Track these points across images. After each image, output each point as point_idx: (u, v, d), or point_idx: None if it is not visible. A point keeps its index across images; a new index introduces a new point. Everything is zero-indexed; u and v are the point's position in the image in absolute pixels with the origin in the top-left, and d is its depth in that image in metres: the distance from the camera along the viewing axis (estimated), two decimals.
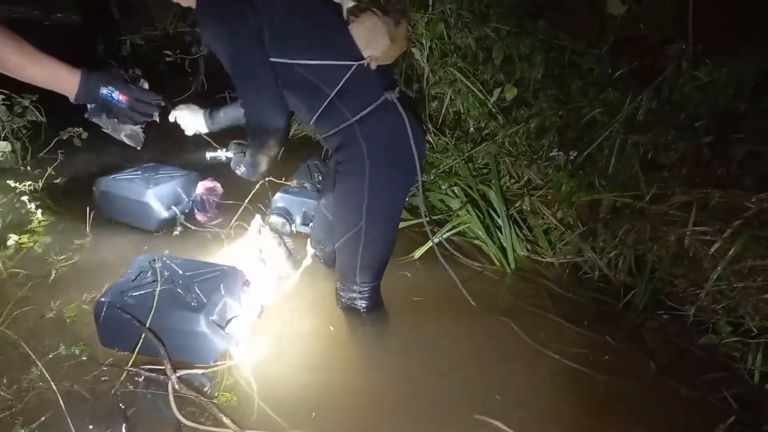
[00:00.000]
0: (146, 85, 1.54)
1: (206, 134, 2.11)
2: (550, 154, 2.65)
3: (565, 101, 2.64)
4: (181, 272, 2.12)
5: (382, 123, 1.89)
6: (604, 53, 2.63)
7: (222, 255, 2.62)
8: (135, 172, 2.97)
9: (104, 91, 1.45)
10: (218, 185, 2.88)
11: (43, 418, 1.70)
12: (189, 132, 2.05)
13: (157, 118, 1.56)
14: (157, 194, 2.83)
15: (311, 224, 2.65)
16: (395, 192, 2.04)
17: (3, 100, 3.51)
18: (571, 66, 2.69)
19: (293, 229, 2.75)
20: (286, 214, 2.73)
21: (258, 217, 2.50)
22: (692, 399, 1.96)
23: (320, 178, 2.82)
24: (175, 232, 2.85)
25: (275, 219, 2.69)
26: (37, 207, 2.73)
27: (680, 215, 2.26)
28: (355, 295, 2.22)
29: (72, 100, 1.44)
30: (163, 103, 1.57)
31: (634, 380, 2.04)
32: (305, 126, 2.13)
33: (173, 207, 2.85)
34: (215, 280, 2.09)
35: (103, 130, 1.54)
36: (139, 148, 1.60)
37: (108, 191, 2.92)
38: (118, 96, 1.47)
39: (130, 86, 1.49)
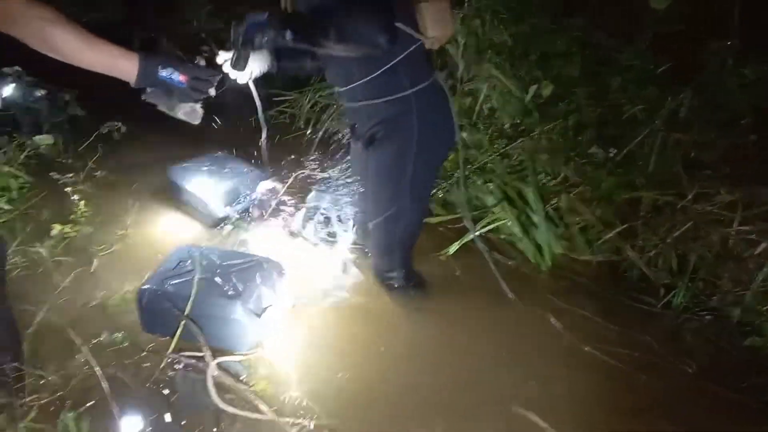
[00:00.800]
0: (203, 63, 1.52)
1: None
2: (589, 151, 2.61)
3: (603, 98, 2.60)
4: (218, 262, 2.15)
5: (434, 99, 1.93)
6: (645, 49, 2.58)
7: (261, 246, 2.66)
8: (204, 164, 3.04)
9: (163, 73, 1.42)
10: (279, 186, 2.91)
11: (90, 403, 1.75)
12: (243, 78, 1.84)
13: (213, 93, 1.52)
14: (217, 191, 2.89)
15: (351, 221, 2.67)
16: (435, 168, 2.10)
17: (45, 94, 3.60)
18: (610, 62, 2.64)
19: (330, 226, 2.76)
20: (323, 212, 2.74)
21: (299, 213, 2.51)
22: (734, 401, 1.90)
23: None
24: (225, 230, 2.84)
25: (312, 217, 2.71)
26: (79, 199, 2.80)
27: (724, 214, 2.21)
28: (393, 267, 2.28)
29: (132, 85, 1.43)
30: (220, 77, 1.54)
31: (673, 380, 2.00)
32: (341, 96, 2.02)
33: (229, 206, 2.89)
34: (251, 270, 2.12)
35: (159, 108, 1.53)
36: (197, 123, 1.58)
37: (175, 180, 3.03)
38: (179, 77, 1.44)
39: (188, 65, 1.46)
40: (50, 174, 3.11)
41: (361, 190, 2.35)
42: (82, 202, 2.79)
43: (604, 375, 2.01)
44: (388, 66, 1.81)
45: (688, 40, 2.65)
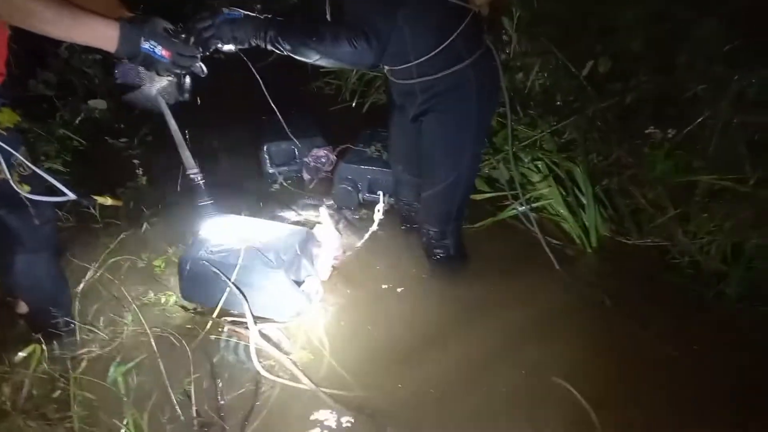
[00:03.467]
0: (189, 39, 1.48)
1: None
2: (646, 131, 2.50)
3: (667, 75, 2.45)
4: (257, 231, 2.18)
5: (488, 66, 1.97)
6: (719, 23, 2.39)
7: (298, 217, 2.70)
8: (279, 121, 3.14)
9: (146, 45, 1.36)
10: (331, 155, 2.97)
11: (138, 359, 1.80)
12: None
13: (202, 71, 1.49)
14: (271, 149, 3.03)
15: (381, 192, 2.67)
16: (488, 132, 2.15)
17: (99, 59, 3.68)
18: (679, 38, 2.48)
19: (361, 198, 2.77)
20: (353, 184, 2.75)
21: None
22: None
23: (375, 148, 2.82)
24: (272, 188, 3.00)
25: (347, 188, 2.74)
26: (131, 162, 2.88)
27: None
28: (447, 236, 2.30)
29: (113, 53, 1.36)
30: (203, 53, 1.50)
31: (723, 374, 1.91)
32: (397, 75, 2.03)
33: (276, 166, 3.05)
34: (290, 239, 2.14)
35: (127, 97, 1.49)
36: (171, 102, 1.53)
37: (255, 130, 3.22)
38: (161, 51, 1.39)
39: (173, 41, 1.41)
40: (104, 138, 3.21)
41: (407, 164, 2.36)
42: (134, 166, 2.87)
43: (648, 361, 1.96)
44: (445, 44, 1.83)
45: None
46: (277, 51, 1.63)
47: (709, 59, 2.30)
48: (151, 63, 1.40)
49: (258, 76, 1.92)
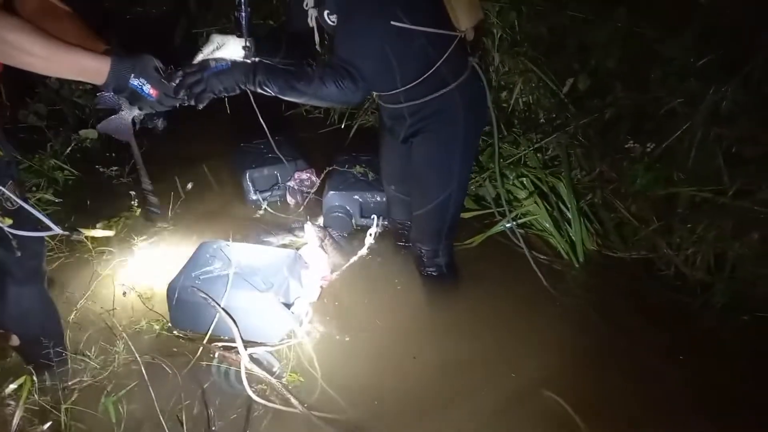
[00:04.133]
0: (178, 81, 1.50)
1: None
2: (626, 146, 2.56)
3: (642, 91, 2.52)
4: (245, 256, 2.20)
5: (473, 87, 2.00)
6: (689, 41, 2.47)
7: (285, 240, 2.74)
8: (258, 146, 3.14)
9: (134, 82, 1.38)
10: (313, 177, 2.99)
11: (129, 387, 1.82)
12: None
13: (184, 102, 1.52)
14: (253, 176, 3.02)
15: (374, 215, 2.69)
16: (475, 152, 2.20)
17: (89, 89, 3.72)
18: (651, 55, 2.56)
19: (354, 223, 2.79)
20: (344, 211, 2.77)
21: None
22: None
23: (362, 169, 2.85)
24: (257, 214, 2.98)
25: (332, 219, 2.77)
26: (123, 191, 2.89)
27: (766, 212, 2.13)
28: (439, 254, 2.34)
29: (100, 85, 1.37)
30: (196, 106, 1.55)
31: (710, 382, 1.95)
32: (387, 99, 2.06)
33: (259, 192, 3.03)
34: (278, 263, 2.17)
35: (104, 126, 1.51)
36: (123, 141, 1.58)
37: (234, 156, 3.24)
38: (149, 90, 1.40)
39: (162, 81, 1.43)
40: (95, 167, 3.23)
41: (399, 183, 2.42)
42: (126, 194, 2.88)
43: (635, 372, 1.99)
44: (431, 71, 1.87)
45: (740, 32, 2.53)
46: (265, 93, 1.67)
47: (682, 75, 2.37)
48: (137, 99, 1.43)
49: (252, 98, 1.96)
